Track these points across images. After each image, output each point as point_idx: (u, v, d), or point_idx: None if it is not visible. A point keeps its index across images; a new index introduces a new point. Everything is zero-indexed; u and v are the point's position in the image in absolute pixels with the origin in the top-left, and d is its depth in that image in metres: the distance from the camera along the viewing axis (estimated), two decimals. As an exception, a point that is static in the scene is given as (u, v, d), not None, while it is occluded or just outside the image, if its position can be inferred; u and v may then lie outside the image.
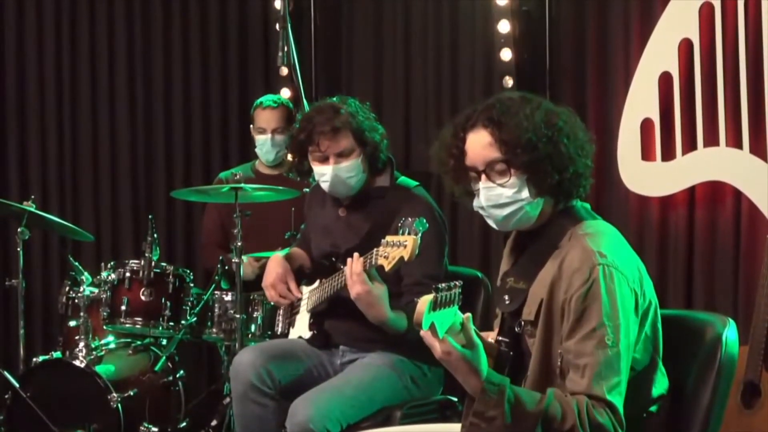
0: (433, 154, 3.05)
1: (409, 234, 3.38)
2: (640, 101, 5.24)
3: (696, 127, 5.06)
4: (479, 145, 2.90)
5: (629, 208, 5.35)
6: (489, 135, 2.88)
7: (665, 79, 5.16)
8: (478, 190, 2.93)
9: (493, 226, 2.99)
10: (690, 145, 5.09)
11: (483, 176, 2.90)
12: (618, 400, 2.72)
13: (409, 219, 3.40)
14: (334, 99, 4.22)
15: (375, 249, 3.58)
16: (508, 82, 5.64)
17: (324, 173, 4.12)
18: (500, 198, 2.89)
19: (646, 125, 5.22)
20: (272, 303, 4.43)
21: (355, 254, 3.73)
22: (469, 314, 2.69)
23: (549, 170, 2.85)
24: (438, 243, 4.05)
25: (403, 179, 4.25)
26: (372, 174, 4.21)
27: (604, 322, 2.71)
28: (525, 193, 2.87)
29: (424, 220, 3.38)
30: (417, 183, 4.23)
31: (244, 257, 5.07)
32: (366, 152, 4.13)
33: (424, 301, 2.55)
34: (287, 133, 5.54)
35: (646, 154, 5.22)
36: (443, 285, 2.56)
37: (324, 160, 4.11)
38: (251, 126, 5.82)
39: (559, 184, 2.87)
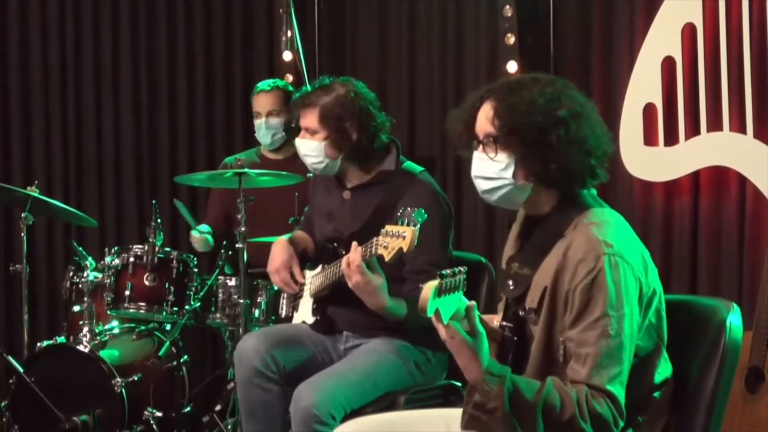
0: (450, 118, 3.11)
1: (407, 225, 3.37)
2: (643, 86, 5.22)
3: (699, 111, 5.05)
4: (484, 116, 2.95)
5: (634, 195, 5.34)
6: (491, 109, 2.93)
7: (668, 64, 5.15)
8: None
9: (480, 196, 3.04)
10: (693, 130, 5.08)
11: (480, 146, 2.96)
12: (618, 390, 2.72)
13: (408, 209, 3.40)
14: (340, 79, 4.24)
15: (374, 238, 3.58)
16: (512, 66, 5.63)
17: (296, 144, 4.25)
18: (486, 171, 2.95)
19: (648, 110, 5.21)
20: (277, 288, 4.43)
21: (354, 244, 3.73)
22: (473, 302, 2.70)
23: (534, 158, 2.88)
24: (442, 230, 4.05)
25: (409, 164, 4.24)
26: (359, 163, 4.21)
27: (608, 312, 2.71)
28: (509, 173, 2.91)
29: (423, 211, 3.38)
30: (422, 168, 4.22)
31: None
32: (330, 138, 4.14)
33: (429, 287, 2.56)
34: (283, 116, 5.57)
35: (649, 139, 5.21)
36: (448, 271, 2.58)
37: (301, 132, 4.22)
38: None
39: (545, 174, 2.89)
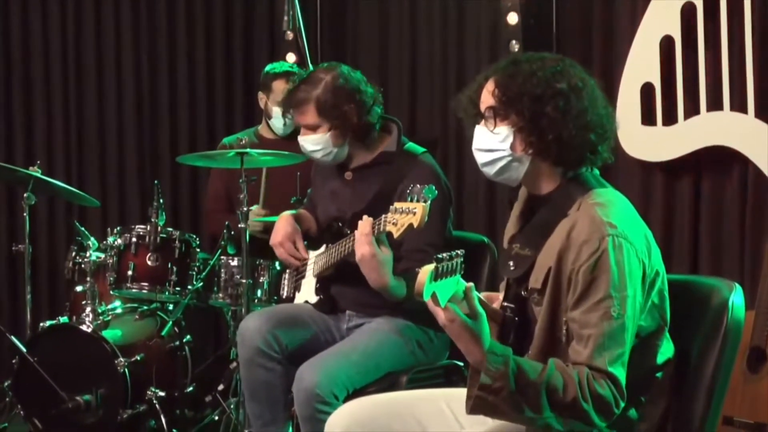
0: (457, 98, 3.13)
1: (418, 201, 3.37)
2: (641, 66, 5.21)
3: (699, 91, 5.04)
4: (486, 91, 2.98)
5: (635, 176, 5.33)
6: (493, 82, 2.96)
7: (666, 43, 5.13)
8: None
9: (481, 170, 3.06)
10: (693, 110, 5.07)
11: (482, 120, 2.99)
12: (620, 371, 2.72)
13: (418, 186, 3.39)
14: (323, 65, 4.24)
15: (383, 215, 3.58)
16: (514, 46, 5.62)
17: (300, 143, 4.22)
18: (485, 143, 2.98)
19: (646, 89, 5.20)
20: (281, 260, 4.42)
21: (365, 216, 3.73)
22: (471, 284, 2.70)
23: (530, 128, 2.90)
24: (441, 211, 4.05)
25: (411, 145, 4.24)
26: (362, 141, 4.20)
27: (611, 294, 2.71)
28: (507, 145, 2.93)
29: (434, 188, 3.38)
30: (424, 149, 4.22)
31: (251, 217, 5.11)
32: (334, 127, 4.14)
33: (425, 271, 2.54)
34: None
35: (647, 119, 5.20)
36: (444, 255, 2.57)
37: (300, 131, 4.21)
38: (263, 94, 5.78)
39: (541, 145, 2.90)
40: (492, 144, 2.96)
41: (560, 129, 2.87)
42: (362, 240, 3.70)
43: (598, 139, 2.93)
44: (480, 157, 3.01)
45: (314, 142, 4.17)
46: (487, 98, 2.97)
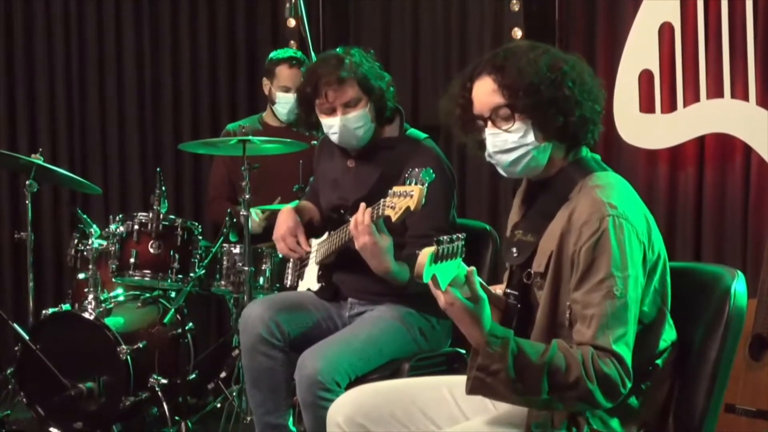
0: (441, 106, 3.11)
1: (415, 184, 3.37)
2: (639, 53, 5.20)
3: (699, 78, 5.03)
4: (484, 92, 2.94)
5: (638, 164, 5.33)
6: (492, 81, 2.92)
7: (666, 30, 5.12)
8: (485, 138, 2.96)
9: (503, 173, 3.02)
10: (693, 97, 5.06)
11: (489, 123, 2.95)
12: (624, 350, 2.72)
13: (416, 169, 3.40)
14: (338, 50, 4.20)
15: (382, 200, 3.58)
16: (517, 33, 5.61)
17: (332, 125, 4.12)
18: (506, 143, 2.93)
19: (644, 77, 5.19)
20: (282, 255, 4.43)
21: (362, 205, 3.73)
22: (473, 267, 2.70)
23: (553, 113, 2.87)
24: (445, 196, 4.04)
25: (413, 131, 4.24)
26: (380, 124, 4.19)
27: (612, 273, 2.72)
28: (530, 138, 2.91)
29: (431, 170, 3.38)
30: (426, 135, 4.22)
31: (251, 210, 5.09)
32: (373, 101, 4.12)
33: (425, 254, 2.54)
34: None
35: (645, 107, 5.19)
36: (445, 237, 2.57)
37: (331, 111, 4.11)
38: (268, 80, 5.77)
39: (565, 127, 2.89)
40: (512, 143, 2.92)
41: (579, 106, 2.87)
42: (361, 230, 3.71)
43: (600, 106, 2.94)
44: (502, 159, 2.96)
45: (358, 119, 4.10)
46: (490, 99, 2.93)
